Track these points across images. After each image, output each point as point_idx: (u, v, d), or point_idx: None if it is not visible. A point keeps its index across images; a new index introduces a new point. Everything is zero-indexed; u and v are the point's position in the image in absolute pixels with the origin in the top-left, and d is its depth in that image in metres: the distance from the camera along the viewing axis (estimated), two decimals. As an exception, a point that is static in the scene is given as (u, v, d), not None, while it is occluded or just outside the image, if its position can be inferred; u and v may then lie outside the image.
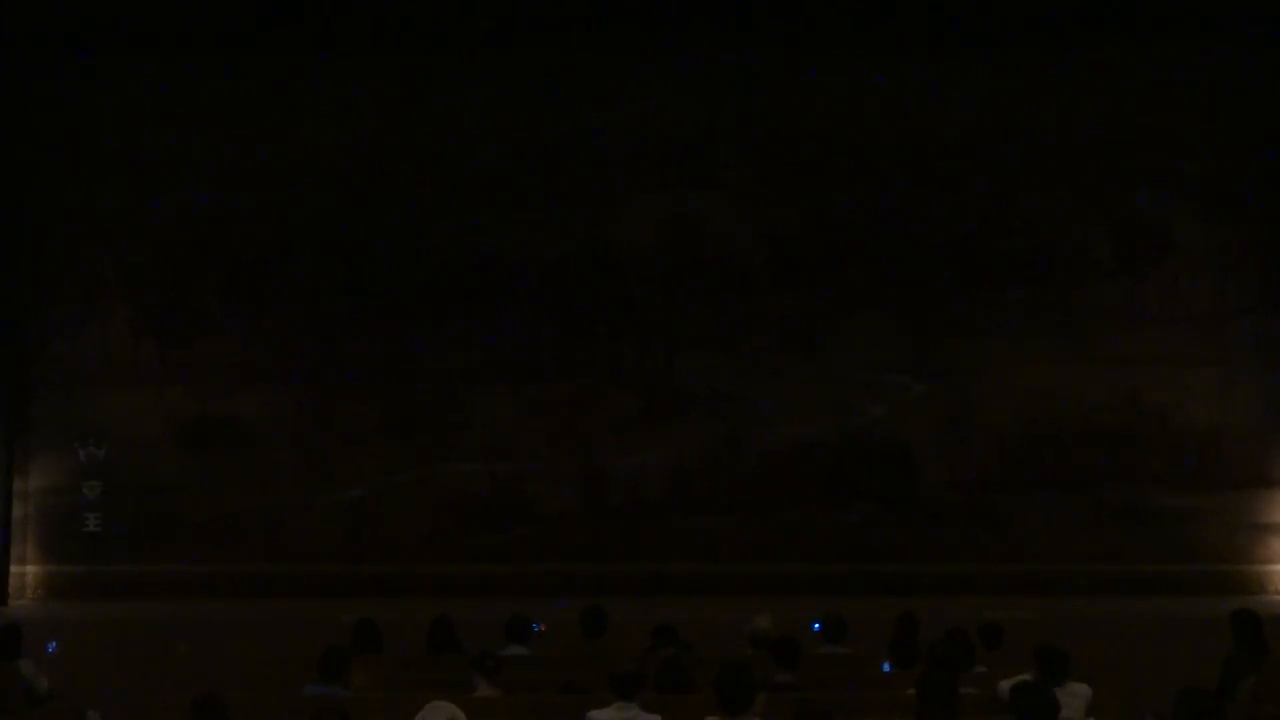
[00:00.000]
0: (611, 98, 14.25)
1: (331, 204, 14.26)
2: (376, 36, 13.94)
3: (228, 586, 13.55)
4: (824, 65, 14.18)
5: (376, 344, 14.24)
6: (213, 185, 14.21)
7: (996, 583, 13.36)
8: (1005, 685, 7.24)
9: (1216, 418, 13.98)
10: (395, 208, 14.29)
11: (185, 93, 14.27)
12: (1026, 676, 7.15)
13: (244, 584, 13.56)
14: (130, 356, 14.21)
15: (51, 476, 14.06)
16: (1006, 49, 14.08)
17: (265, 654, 9.76)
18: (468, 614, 9.69)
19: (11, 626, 8.65)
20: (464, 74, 14.23)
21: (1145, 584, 13.42)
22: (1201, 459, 13.92)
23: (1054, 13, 13.71)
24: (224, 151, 14.18)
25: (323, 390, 14.21)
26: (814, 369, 14.14)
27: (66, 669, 8.71)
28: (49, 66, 14.18)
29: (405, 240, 14.30)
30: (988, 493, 13.99)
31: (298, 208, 14.25)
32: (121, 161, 14.19)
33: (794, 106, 14.24)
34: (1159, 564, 13.62)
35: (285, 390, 14.19)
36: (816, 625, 9.19)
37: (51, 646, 8.64)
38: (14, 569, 13.68)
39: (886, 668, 8.43)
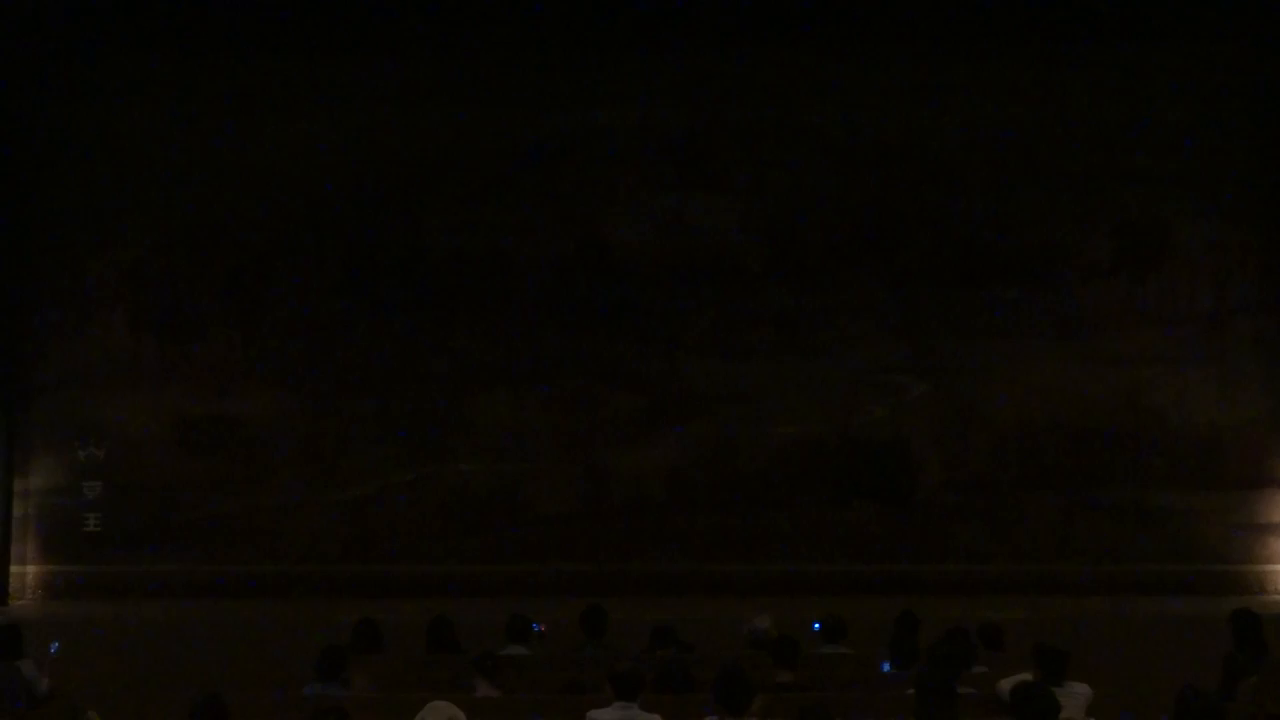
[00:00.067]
0: (611, 98, 14.25)
1: (331, 204, 14.26)
2: (376, 36, 13.94)
3: (228, 586, 13.56)
4: (824, 65, 14.17)
5: (376, 344, 14.24)
6: (213, 185, 14.22)
7: (996, 583, 13.39)
8: (1005, 685, 7.24)
9: (1216, 418, 13.98)
10: (395, 208, 14.29)
11: (185, 92, 14.27)
12: (1026, 676, 7.14)
13: (244, 584, 13.57)
14: (130, 356, 14.22)
15: (51, 476, 14.07)
16: (1006, 49, 14.07)
17: (265, 654, 9.76)
18: (468, 614, 9.69)
19: (11, 626, 8.65)
20: (464, 74, 14.23)
21: (1145, 584, 13.43)
22: (1201, 459, 13.93)
23: (1054, 13, 13.71)
24: (224, 151, 14.19)
25: (323, 390, 14.22)
26: (814, 369, 14.15)
27: (66, 669, 8.69)
28: (49, 66, 14.18)
29: (405, 240, 14.30)
30: (988, 493, 13.99)
31: (297, 207, 14.25)
32: (121, 161, 14.20)
33: (794, 106, 14.24)
34: (1159, 564, 13.62)
35: (285, 390, 14.21)
36: (816, 625, 9.18)
37: (54, 647, 8.63)
38: (14, 569, 13.69)
39: (886, 668, 8.43)
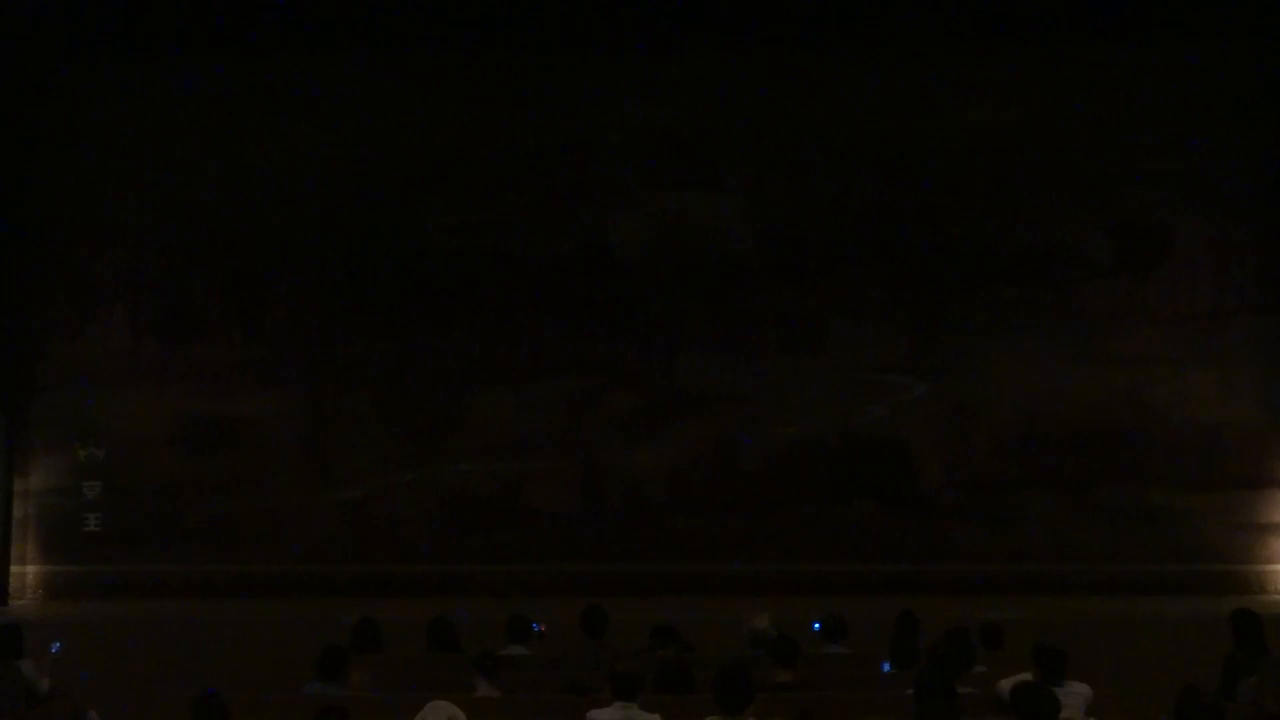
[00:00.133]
0: (611, 98, 14.24)
1: (331, 204, 14.26)
2: (376, 36, 13.93)
3: (228, 586, 13.57)
4: (824, 65, 14.17)
5: (376, 344, 14.24)
6: (212, 185, 14.22)
7: (996, 583, 13.39)
8: (1005, 685, 7.25)
9: (1216, 418, 13.97)
10: (395, 208, 14.29)
11: (185, 93, 14.27)
12: (1026, 676, 7.15)
13: (244, 584, 13.57)
14: (130, 356, 14.22)
15: (51, 476, 14.06)
16: (1006, 49, 14.06)
17: (265, 654, 9.76)
18: (468, 614, 9.68)
19: (12, 626, 8.65)
20: (463, 74, 14.23)
21: (1145, 584, 13.42)
22: (1201, 459, 13.92)
23: (1054, 13, 13.71)
24: (223, 151, 14.19)
25: (323, 390, 14.22)
26: (814, 369, 14.14)
27: (66, 669, 8.69)
28: (49, 67, 14.18)
29: (405, 240, 14.30)
30: (988, 492, 13.99)
31: (297, 207, 14.24)
32: (121, 161, 14.19)
33: (794, 106, 14.23)
34: (1159, 564, 13.62)
35: (285, 390, 14.20)
36: (816, 625, 9.18)
37: (55, 646, 8.63)
38: (14, 569, 13.69)
39: (886, 668, 8.43)
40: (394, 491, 14.10)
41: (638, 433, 14.15)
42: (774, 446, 14.09)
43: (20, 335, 14.10)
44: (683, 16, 13.70)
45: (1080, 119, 14.15)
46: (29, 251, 14.17)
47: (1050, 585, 13.37)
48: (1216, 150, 14.14)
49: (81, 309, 14.25)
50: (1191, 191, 14.15)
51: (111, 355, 14.20)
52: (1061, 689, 6.86)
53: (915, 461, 14.09)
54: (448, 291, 14.27)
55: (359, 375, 14.21)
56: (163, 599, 13.33)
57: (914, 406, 14.15)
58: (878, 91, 14.18)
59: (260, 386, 14.19)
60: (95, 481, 14.07)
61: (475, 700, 7.30)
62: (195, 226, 14.28)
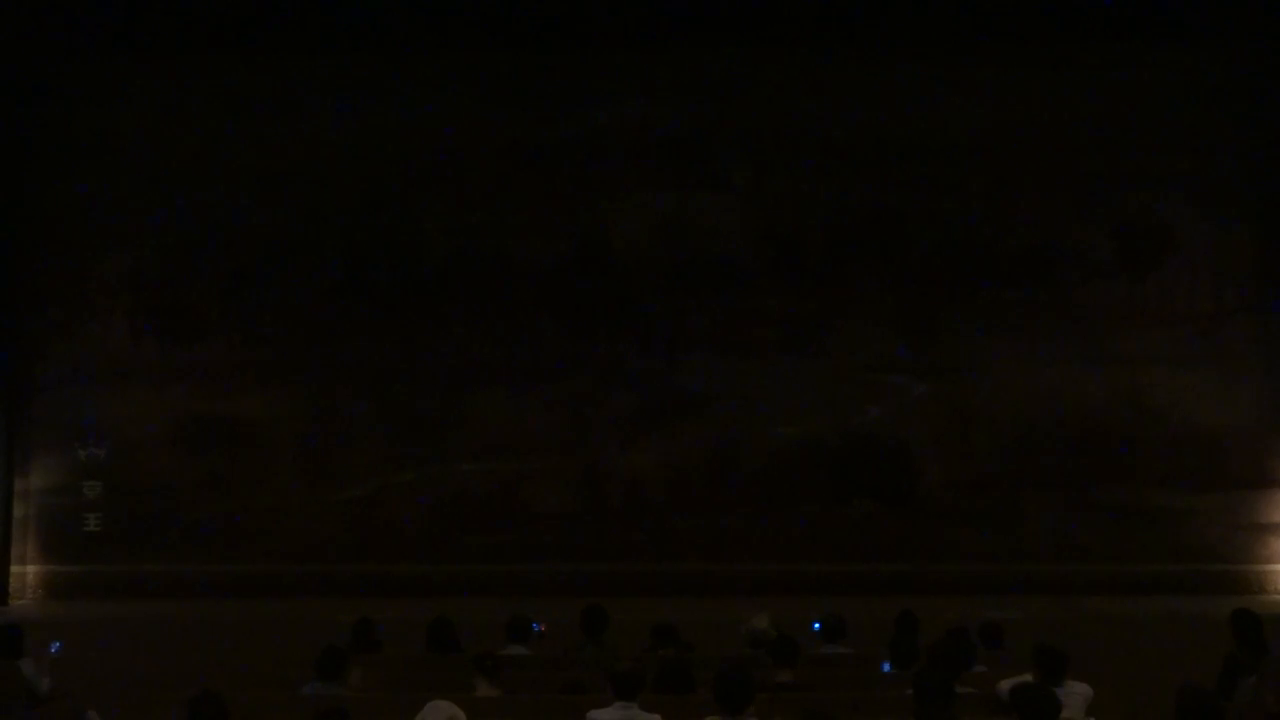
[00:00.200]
0: (611, 98, 14.26)
1: (331, 204, 14.28)
2: (375, 37, 13.94)
3: (228, 586, 13.56)
4: (824, 65, 14.19)
5: (376, 344, 14.25)
6: (212, 185, 14.23)
7: (997, 583, 13.37)
8: (1005, 685, 7.24)
9: (1216, 418, 13.98)
10: (395, 208, 14.30)
11: (185, 93, 14.30)
12: (1026, 676, 7.14)
13: (244, 584, 13.57)
14: (130, 356, 14.23)
15: (51, 476, 14.07)
16: (1007, 49, 14.08)
17: (265, 654, 9.75)
18: (468, 614, 9.68)
19: (12, 626, 8.65)
20: (463, 74, 14.24)
21: (1145, 584, 13.42)
22: (1201, 459, 13.93)
23: (1054, 13, 13.71)
24: (223, 151, 14.21)
25: (323, 390, 14.23)
26: (814, 369, 14.15)
27: (66, 669, 8.69)
28: (49, 67, 14.19)
29: (405, 240, 14.31)
30: (988, 492, 13.99)
31: (297, 207, 14.26)
32: (122, 161, 14.21)
33: (794, 106, 14.24)
34: (1159, 564, 13.62)
35: (285, 390, 14.21)
36: (816, 625, 9.18)
37: (56, 646, 8.63)
38: (14, 569, 13.71)
39: (886, 668, 8.42)
40: (394, 491, 14.10)
41: (637, 433, 14.16)
42: (774, 446, 14.09)
43: (20, 335, 14.11)
44: (683, 16, 13.71)
45: (1080, 119, 14.16)
46: (29, 251, 14.18)
47: (1050, 585, 13.36)
48: (1216, 150, 14.15)
49: (81, 309, 14.27)
50: (1191, 191, 14.16)
51: (111, 355, 14.21)
52: (1061, 689, 6.85)
53: (915, 461, 14.09)
54: (447, 291, 14.28)
55: (359, 375, 14.21)
56: (163, 599, 13.33)
57: (914, 406, 14.16)
58: (878, 91, 14.19)
59: (260, 386, 14.20)
60: (95, 481, 14.08)
61: (475, 700, 7.29)
62: (195, 227, 14.29)
